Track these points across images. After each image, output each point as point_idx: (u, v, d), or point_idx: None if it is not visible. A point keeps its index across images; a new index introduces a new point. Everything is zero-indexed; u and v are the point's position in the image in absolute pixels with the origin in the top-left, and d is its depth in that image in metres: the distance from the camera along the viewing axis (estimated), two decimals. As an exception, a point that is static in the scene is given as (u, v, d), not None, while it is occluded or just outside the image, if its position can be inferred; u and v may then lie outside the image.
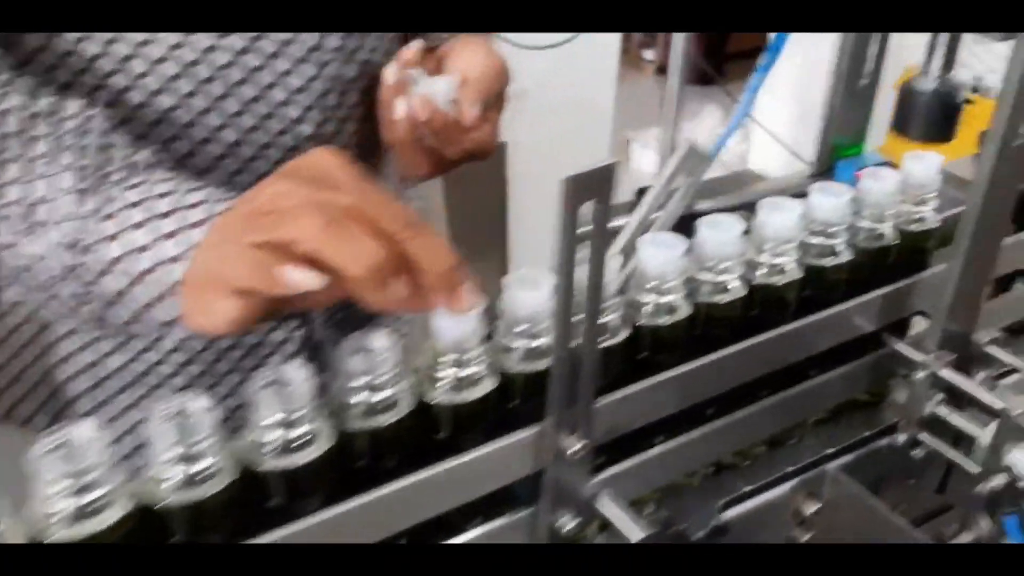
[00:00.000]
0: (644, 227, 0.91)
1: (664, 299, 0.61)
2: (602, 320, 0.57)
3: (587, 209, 0.48)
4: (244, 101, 0.71)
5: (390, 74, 0.75)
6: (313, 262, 0.50)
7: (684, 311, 0.62)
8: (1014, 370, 0.73)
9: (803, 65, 1.28)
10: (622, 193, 1.00)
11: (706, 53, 3.54)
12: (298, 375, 0.51)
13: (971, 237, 0.64)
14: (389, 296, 0.51)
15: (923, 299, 0.72)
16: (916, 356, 0.70)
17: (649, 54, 4.51)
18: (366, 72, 0.79)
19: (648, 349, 0.62)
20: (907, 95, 1.21)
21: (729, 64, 3.80)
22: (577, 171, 0.46)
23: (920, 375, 0.69)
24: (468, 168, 0.81)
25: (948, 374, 0.68)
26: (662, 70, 4.12)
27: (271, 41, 0.70)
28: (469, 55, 0.79)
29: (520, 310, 0.56)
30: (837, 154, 1.27)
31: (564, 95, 2.08)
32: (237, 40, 0.69)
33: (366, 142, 0.82)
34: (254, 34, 0.69)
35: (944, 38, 1.15)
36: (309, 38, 0.73)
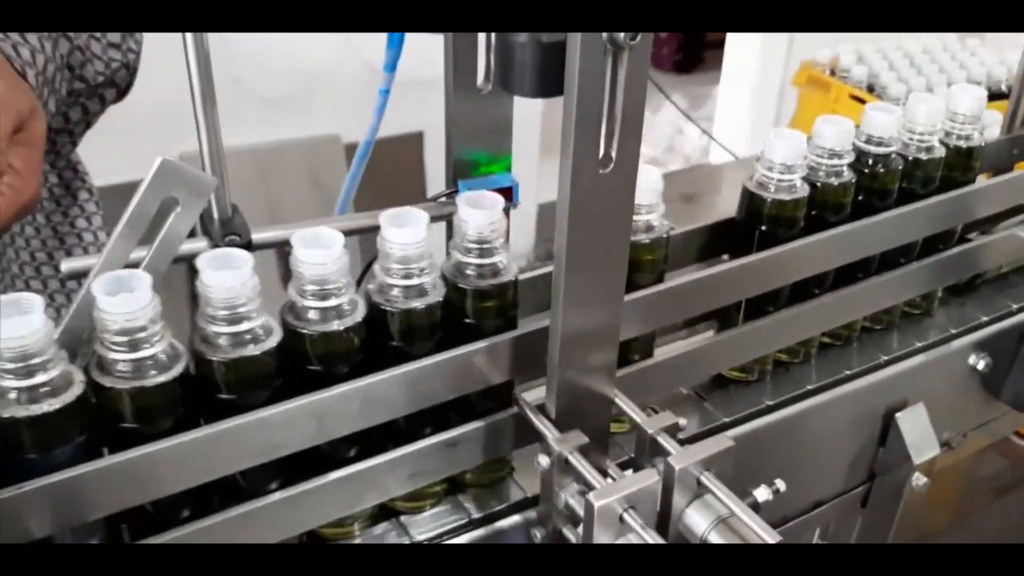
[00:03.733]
0: (118, 258, 0.58)
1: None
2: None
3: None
4: None
5: None
6: None
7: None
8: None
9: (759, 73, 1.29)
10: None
11: (683, 42, 3.60)
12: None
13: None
14: None
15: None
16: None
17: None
18: None
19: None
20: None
21: (708, 52, 3.88)
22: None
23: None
24: (387, 156, 0.82)
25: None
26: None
27: None
28: None
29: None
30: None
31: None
32: None
33: None
34: None
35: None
36: None
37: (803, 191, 0.79)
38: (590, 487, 0.60)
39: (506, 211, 0.66)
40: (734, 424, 0.81)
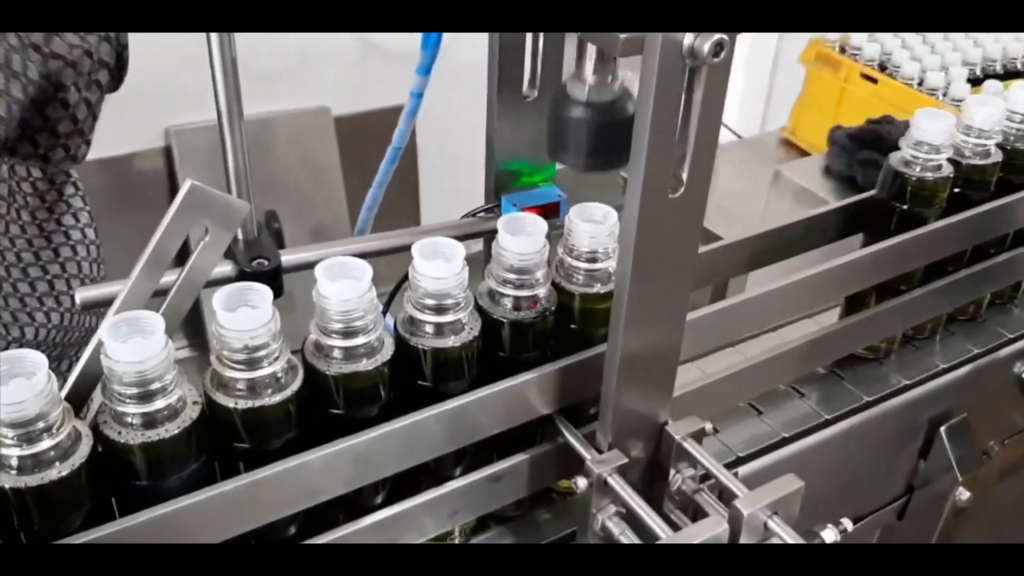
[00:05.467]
0: (141, 293, 0.53)
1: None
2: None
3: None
4: None
5: None
6: None
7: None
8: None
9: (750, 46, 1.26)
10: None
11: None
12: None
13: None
14: None
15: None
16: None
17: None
18: None
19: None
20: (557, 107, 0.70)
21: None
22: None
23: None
24: (376, 128, 0.77)
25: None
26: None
27: None
28: None
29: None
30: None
31: (470, 57, 2.06)
32: None
33: None
34: None
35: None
36: None
37: (948, 171, 0.80)
38: (629, 510, 0.57)
39: (553, 227, 0.61)
40: (792, 440, 0.78)
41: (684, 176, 0.51)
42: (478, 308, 0.60)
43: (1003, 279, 0.90)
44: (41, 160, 0.90)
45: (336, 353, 0.55)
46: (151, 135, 2.32)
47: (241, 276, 0.60)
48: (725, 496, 0.59)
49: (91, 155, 1.05)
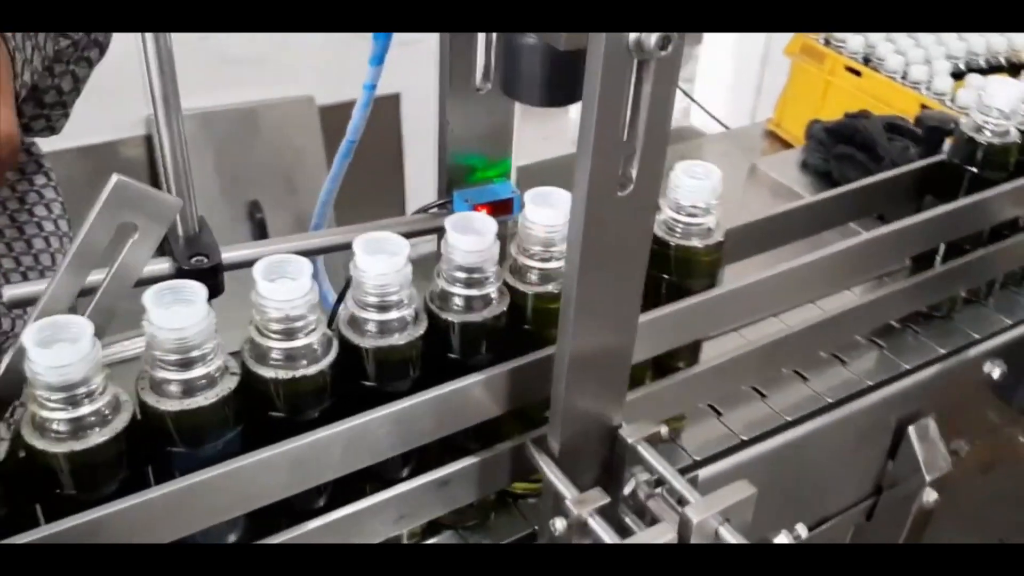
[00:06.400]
0: (66, 293, 0.51)
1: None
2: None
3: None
4: None
5: None
6: None
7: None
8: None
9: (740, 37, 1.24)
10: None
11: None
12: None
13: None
14: None
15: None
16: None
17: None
18: None
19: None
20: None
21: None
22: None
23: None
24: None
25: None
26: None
27: None
28: None
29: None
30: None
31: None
32: None
33: None
34: None
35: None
36: None
37: (1015, 137, 0.85)
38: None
39: (503, 226, 0.60)
40: (752, 442, 0.76)
41: (633, 173, 0.49)
42: (427, 310, 0.58)
43: (982, 275, 0.89)
44: (23, 129, 0.89)
45: (371, 326, 0.55)
46: (132, 123, 2.30)
47: (179, 274, 0.58)
48: (683, 502, 0.58)
49: (72, 143, 1.03)
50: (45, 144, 1.00)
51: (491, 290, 0.58)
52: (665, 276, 0.68)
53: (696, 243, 0.68)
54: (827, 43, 1.94)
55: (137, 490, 0.48)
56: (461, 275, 0.57)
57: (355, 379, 0.56)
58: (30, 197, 0.98)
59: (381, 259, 0.54)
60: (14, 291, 0.53)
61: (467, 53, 0.62)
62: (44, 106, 0.89)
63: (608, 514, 0.56)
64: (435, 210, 0.68)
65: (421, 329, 0.56)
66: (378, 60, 0.67)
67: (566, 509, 0.56)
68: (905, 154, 1.19)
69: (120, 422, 0.49)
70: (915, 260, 0.92)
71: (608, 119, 0.46)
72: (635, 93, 0.47)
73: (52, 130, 0.93)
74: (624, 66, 0.45)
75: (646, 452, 0.60)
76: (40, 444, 0.47)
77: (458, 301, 0.58)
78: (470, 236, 0.56)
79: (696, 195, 0.66)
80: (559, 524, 0.56)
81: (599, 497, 0.56)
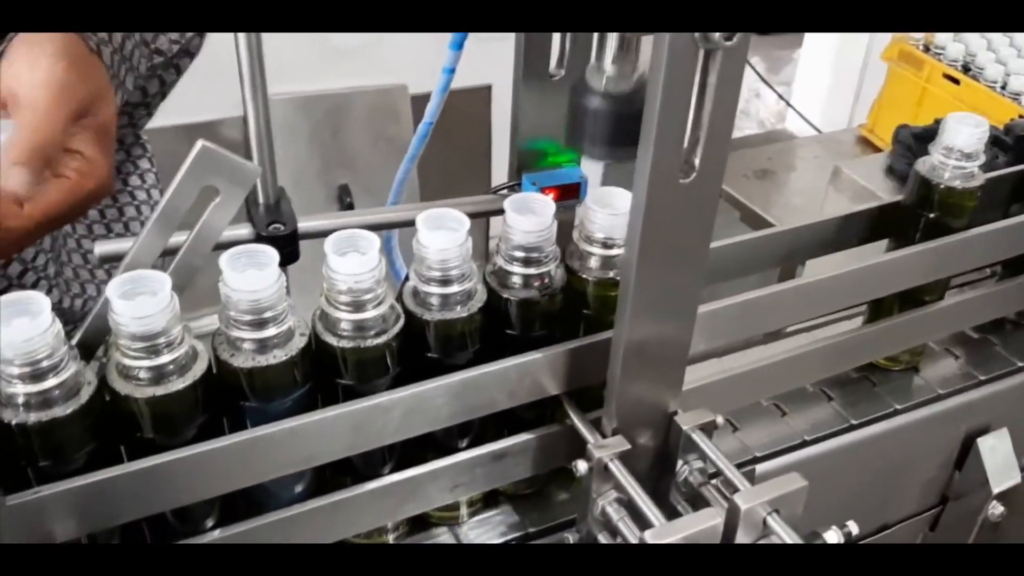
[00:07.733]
0: (150, 251, 0.55)
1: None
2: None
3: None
4: None
5: None
6: None
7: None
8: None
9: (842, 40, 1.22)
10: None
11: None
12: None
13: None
14: None
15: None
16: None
17: None
18: None
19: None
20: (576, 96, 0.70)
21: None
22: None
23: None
24: (454, 109, 0.76)
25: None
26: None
27: None
28: (22, 73, 0.59)
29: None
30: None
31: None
32: None
33: None
34: None
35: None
36: None
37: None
38: (627, 495, 0.57)
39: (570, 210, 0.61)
40: (813, 442, 0.76)
41: (696, 162, 0.50)
42: (486, 285, 0.60)
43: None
44: None
45: (433, 300, 0.57)
46: (233, 104, 2.37)
47: (257, 239, 0.61)
48: (733, 491, 0.59)
49: (172, 121, 1.08)
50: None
51: (548, 269, 0.59)
52: (927, 214, 0.76)
53: (958, 184, 0.74)
54: (926, 49, 1.89)
55: (209, 439, 0.51)
56: (519, 254, 0.59)
57: (418, 350, 0.58)
58: (126, 167, 1.02)
59: (442, 234, 0.56)
60: (105, 247, 0.57)
61: (543, 40, 0.63)
62: (128, 103, 0.91)
63: (630, 463, 0.58)
64: (505, 192, 0.69)
65: (480, 303, 0.58)
66: (458, 45, 0.69)
67: (589, 453, 0.58)
68: (994, 162, 1.16)
69: (197, 370, 0.51)
70: (1004, 266, 0.90)
71: (672, 106, 0.47)
72: (701, 82, 0.48)
73: (134, 127, 0.96)
74: (690, 55, 0.46)
75: (700, 440, 0.61)
76: (124, 389, 0.50)
77: (516, 279, 0.59)
78: (528, 216, 0.57)
79: (968, 142, 0.73)
80: (582, 466, 0.58)
81: (620, 444, 0.58)
